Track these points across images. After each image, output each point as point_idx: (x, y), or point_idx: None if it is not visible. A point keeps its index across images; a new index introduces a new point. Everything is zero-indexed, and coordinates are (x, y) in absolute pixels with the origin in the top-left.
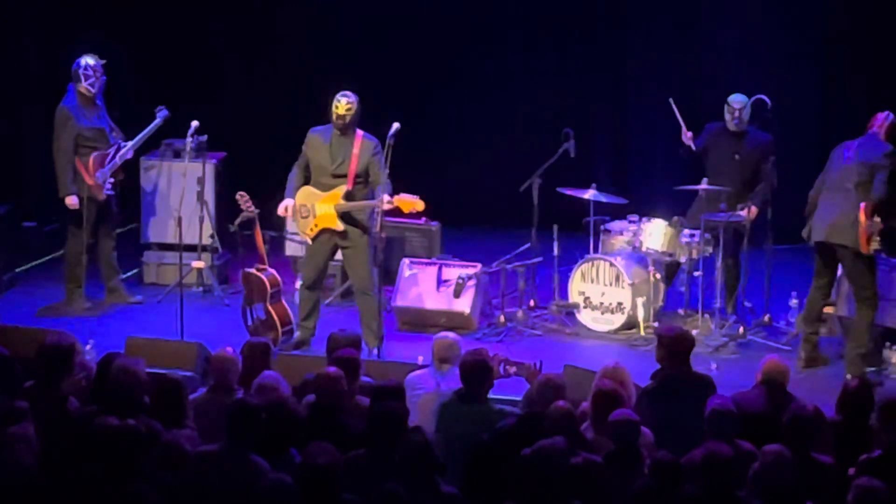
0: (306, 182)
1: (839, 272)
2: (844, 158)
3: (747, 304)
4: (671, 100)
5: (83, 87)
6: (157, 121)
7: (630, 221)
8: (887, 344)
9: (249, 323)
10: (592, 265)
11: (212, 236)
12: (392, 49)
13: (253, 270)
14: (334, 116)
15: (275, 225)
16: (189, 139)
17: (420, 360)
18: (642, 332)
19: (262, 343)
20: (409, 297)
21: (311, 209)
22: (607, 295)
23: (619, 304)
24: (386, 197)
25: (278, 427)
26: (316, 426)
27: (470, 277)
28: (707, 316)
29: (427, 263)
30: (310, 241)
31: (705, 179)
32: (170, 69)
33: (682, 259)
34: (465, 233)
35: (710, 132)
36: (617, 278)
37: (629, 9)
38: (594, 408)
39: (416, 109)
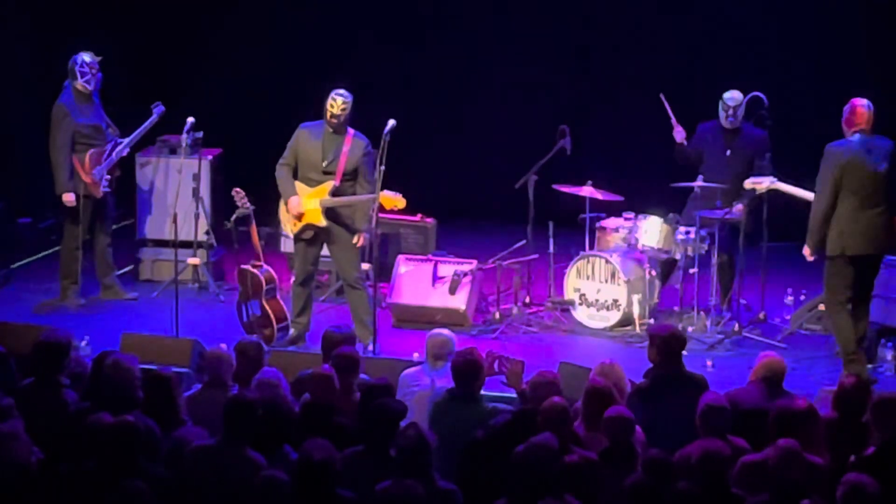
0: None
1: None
2: (877, 166)
3: (743, 301)
4: (662, 95)
5: (79, 83)
6: (154, 117)
7: (626, 218)
8: (882, 341)
9: (245, 319)
10: (588, 262)
11: (207, 233)
12: (387, 45)
13: (248, 267)
14: (329, 114)
15: (270, 221)
16: (185, 135)
17: (415, 356)
18: (638, 330)
19: (253, 343)
20: (405, 294)
21: (300, 214)
22: (603, 292)
23: (615, 301)
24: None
25: (275, 423)
26: (309, 425)
27: (465, 274)
28: (702, 313)
29: (422, 260)
30: (291, 236)
31: (700, 177)
32: (165, 65)
33: (678, 256)
34: (461, 229)
35: (703, 132)
36: (612, 275)
37: (624, 5)
38: (586, 405)
39: (411, 106)
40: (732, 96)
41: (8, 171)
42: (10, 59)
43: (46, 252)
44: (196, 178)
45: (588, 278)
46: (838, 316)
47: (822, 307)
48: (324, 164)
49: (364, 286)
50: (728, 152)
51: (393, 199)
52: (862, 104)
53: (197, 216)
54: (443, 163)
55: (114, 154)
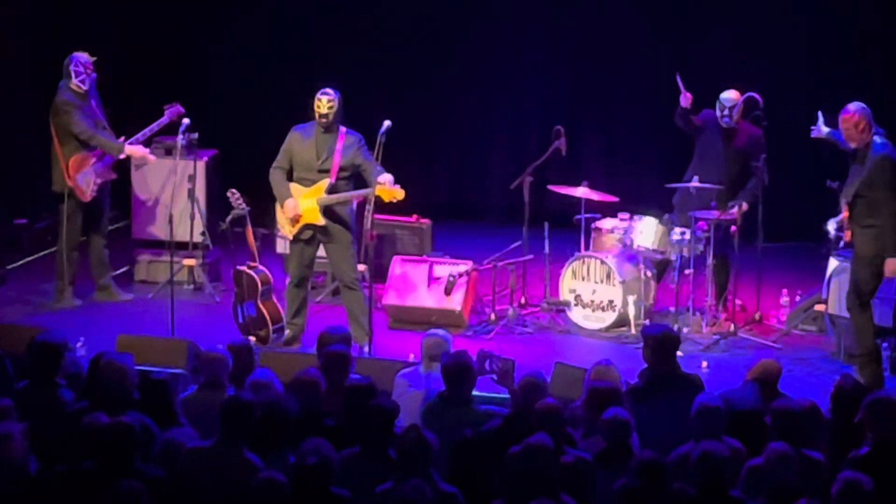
0: (288, 180)
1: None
2: None
3: (738, 301)
4: (678, 74)
5: (74, 83)
6: (164, 119)
7: (621, 219)
8: (877, 342)
9: (240, 320)
10: (583, 263)
11: (203, 233)
12: (382, 47)
13: (244, 268)
14: (317, 115)
15: (266, 222)
16: (180, 136)
17: (411, 357)
18: (633, 330)
19: (245, 345)
20: (401, 295)
21: (297, 216)
22: (598, 293)
23: (610, 301)
24: (386, 176)
25: (272, 425)
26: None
27: (461, 275)
28: (698, 314)
29: (418, 261)
30: (290, 238)
31: (696, 178)
32: (160, 66)
33: (673, 257)
34: (456, 230)
35: (707, 117)
36: (608, 276)
37: (620, 5)
38: (588, 405)
39: (406, 107)
40: (728, 96)
41: (3, 173)
42: (5, 61)
43: (42, 253)
44: (191, 179)
45: (583, 279)
46: (863, 316)
47: (817, 308)
48: (318, 164)
49: (360, 287)
50: (724, 152)
51: (391, 191)
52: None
53: (192, 217)
54: (438, 164)
55: (106, 158)
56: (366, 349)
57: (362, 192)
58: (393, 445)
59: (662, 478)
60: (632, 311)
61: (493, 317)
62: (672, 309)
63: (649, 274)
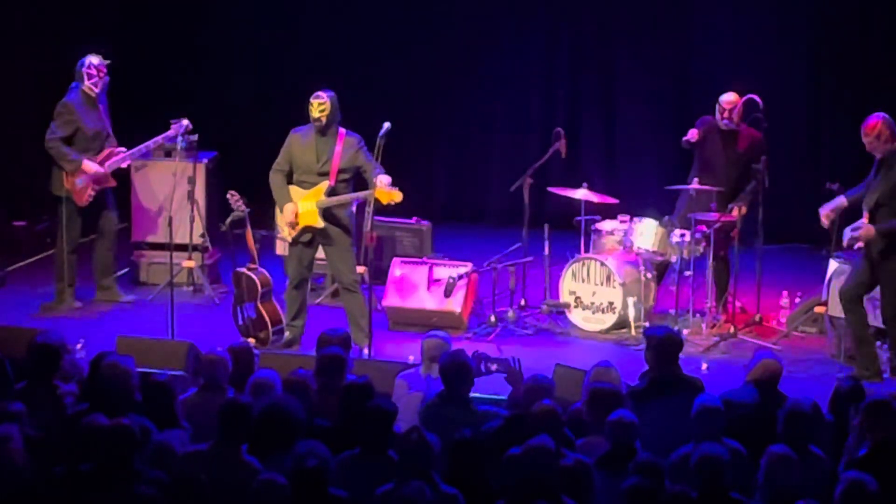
0: (288, 182)
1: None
2: None
3: (738, 303)
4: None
5: (86, 86)
6: (170, 132)
7: (621, 221)
8: (878, 344)
9: (240, 322)
10: (583, 265)
11: (202, 235)
12: (382, 49)
13: (244, 270)
14: (312, 119)
15: (266, 224)
16: (179, 138)
17: (411, 359)
18: (633, 332)
19: (244, 347)
20: (400, 297)
21: (295, 222)
22: (598, 295)
23: (610, 303)
24: (384, 178)
25: (271, 427)
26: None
27: (461, 277)
28: (698, 316)
29: (418, 263)
30: (289, 240)
31: (696, 179)
32: (160, 69)
33: (673, 259)
34: (456, 232)
35: (705, 124)
36: (608, 278)
37: (619, 8)
38: (591, 408)
39: (406, 109)
40: (728, 98)
41: (3, 175)
42: (5, 63)
43: (41, 255)
44: (191, 180)
45: (583, 281)
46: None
47: (817, 310)
48: (318, 167)
49: (360, 289)
50: (725, 157)
51: (389, 193)
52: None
53: (192, 219)
54: (438, 166)
55: (106, 165)
56: (365, 351)
57: (361, 194)
58: (394, 447)
59: (661, 480)
60: (632, 313)
61: (493, 318)
62: (672, 311)
63: (649, 276)
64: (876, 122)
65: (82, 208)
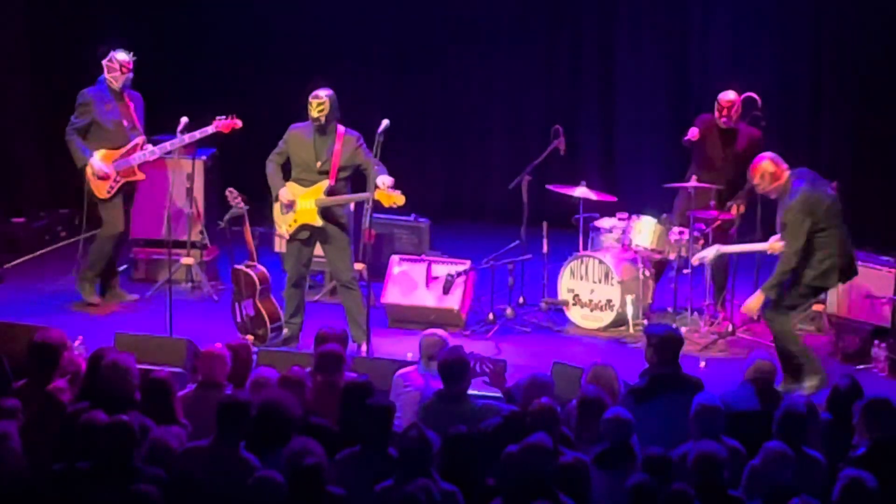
0: (285, 177)
1: None
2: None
3: (736, 301)
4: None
5: (108, 78)
6: (208, 128)
7: (619, 219)
8: (876, 342)
9: (238, 319)
10: (582, 262)
11: (201, 232)
12: (380, 46)
13: (242, 267)
14: (311, 118)
15: (264, 221)
16: (178, 135)
17: (409, 356)
18: (631, 330)
19: (243, 344)
20: (399, 294)
21: (292, 202)
22: (596, 292)
23: (609, 301)
24: (386, 179)
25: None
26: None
27: (459, 274)
28: (696, 314)
29: (416, 260)
30: (286, 237)
31: (694, 177)
32: (159, 65)
33: (672, 256)
34: (455, 230)
35: (702, 123)
36: (606, 275)
37: (618, 6)
38: (580, 414)
39: (405, 106)
40: (727, 97)
41: (1, 172)
42: (2, 61)
43: (40, 252)
44: (190, 178)
45: (582, 279)
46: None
47: (816, 307)
48: (318, 165)
49: (358, 286)
50: (723, 156)
51: (391, 197)
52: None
53: (190, 216)
54: (437, 163)
55: (131, 158)
56: (363, 348)
57: (361, 196)
58: (393, 444)
59: (669, 475)
60: (630, 311)
61: (491, 316)
62: (670, 309)
63: (647, 273)
64: (756, 163)
65: (106, 201)
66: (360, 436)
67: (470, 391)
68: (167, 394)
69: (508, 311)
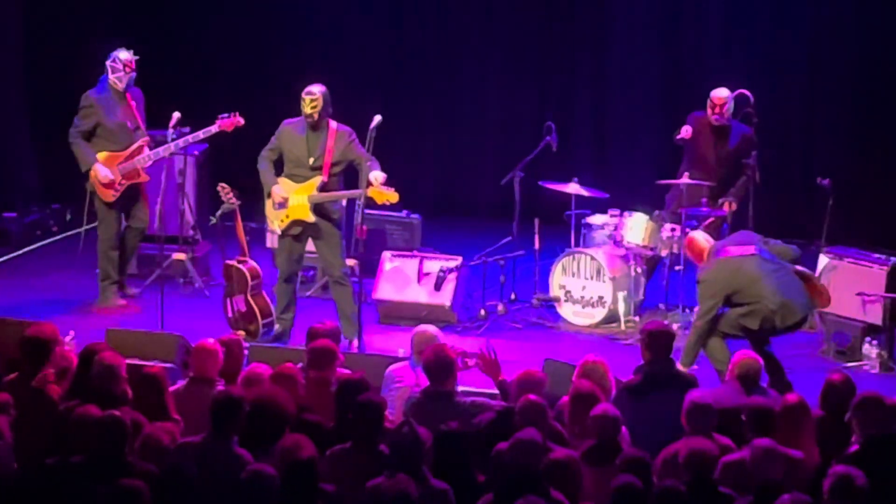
0: (277, 173)
1: None
2: (757, 251)
3: None
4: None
5: (112, 79)
6: (212, 127)
7: (611, 215)
8: (868, 339)
9: (230, 315)
10: (573, 259)
11: (193, 228)
12: (372, 41)
13: (234, 262)
14: (304, 115)
15: (256, 217)
16: (170, 131)
17: (401, 352)
18: (623, 327)
19: (234, 340)
20: (390, 290)
21: (284, 199)
22: (588, 289)
23: (600, 297)
24: (379, 175)
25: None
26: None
27: (451, 270)
28: (688, 311)
29: (408, 256)
30: (278, 232)
31: (686, 174)
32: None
33: (663, 253)
34: (447, 225)
35: (695, 120)
36: (598, 272)
37: (610, 2)
38: (572, 408)
39: (397, 102)
40: (719, 94)
41: None
42: None
43: (31, 247)
44: (181, 173)
45: (573, 275)
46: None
47: None
48: (311, 161)
49: (349, 282)
50: (715, 153)
51: (385, 194)
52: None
53: (182, 212)
54: (429, 159)
55: (135, 159)
56: (355, 344)
57: (354, 192)
58: (385, 441)
59: (648, 475)
60: (621, 308)
61: (483, 312)
62: (662, 305)
63: (639, 270)
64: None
65: (112, 203)
66: (352, 432)
67: (462, 387)
68: (160, 389)
69: (500, 307)
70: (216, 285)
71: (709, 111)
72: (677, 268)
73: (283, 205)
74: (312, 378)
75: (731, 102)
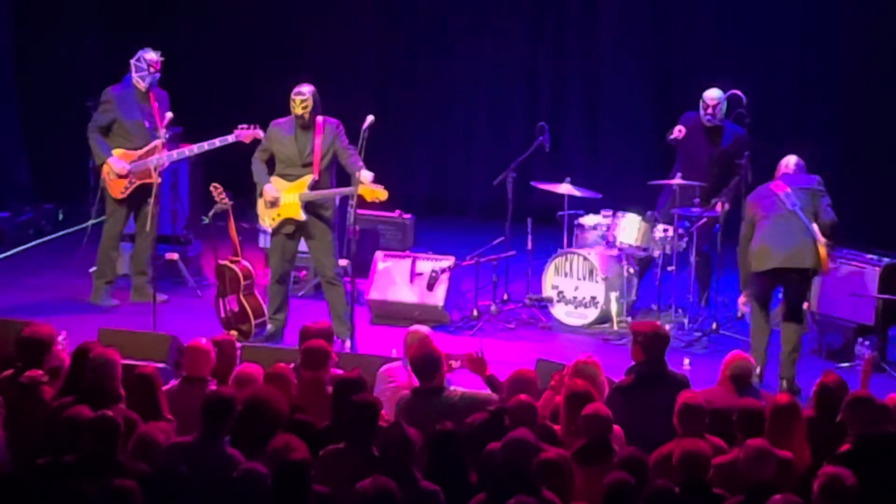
0: (270, 172)
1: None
2: (780, 192)
3: (720, 298)
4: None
5: (135, 77)
6: (229, 137)
7: (604, 216)
8: (860, 340)
9: (222, 315)
10: (566, 259)
11: (185, 228)
12: (365, 41)
13: (226, 262)
14: (294, 115)
15: (248, 217)
16: (163, 130)
17: (394, 352)
18: (615, 327)
19: (227, 340)
20: (383, 290)
21: (276, 199)
22: (581, 289)
23: (593, 298)
24: (367, 174)
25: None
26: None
27: (443, 270)
28: (680, 311)
29: (401, 256)
30: (270, 230)
31: (678, 175)
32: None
33: (656, 254)
34: (439, 226)
35: (687, 121)
36: (590, 272)
37: (602, 3)
38: (567, 407)
39: (389, 102)
40: (711, 94)
41: None
42: None
43: (24, 246)
44: (174, 173)
45: (566, 275)
46: None
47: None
48: (301, 159)
49: (342, 282)
50: (708, 153)
51: (374, 191)
52: None
53: (175, 211)
54: (421, 159)
55: (149, 160)
56: (347, 344)
57: (345, 190)
58: (375, 442)
59: (645, 474)
60: (614, 308)
61: (475, 312)
62: (654, 306)
63: (632, 270)
64: None
65: (122, 202)
66: (346, 432)
67: (453, 386)
68: (153, 389)
69: (493, 307)
70: (209, 285)
71: (701, 111)
72: (670, 268)
73: (274, 204)
74: (306, 378)
75: (724, 103)
